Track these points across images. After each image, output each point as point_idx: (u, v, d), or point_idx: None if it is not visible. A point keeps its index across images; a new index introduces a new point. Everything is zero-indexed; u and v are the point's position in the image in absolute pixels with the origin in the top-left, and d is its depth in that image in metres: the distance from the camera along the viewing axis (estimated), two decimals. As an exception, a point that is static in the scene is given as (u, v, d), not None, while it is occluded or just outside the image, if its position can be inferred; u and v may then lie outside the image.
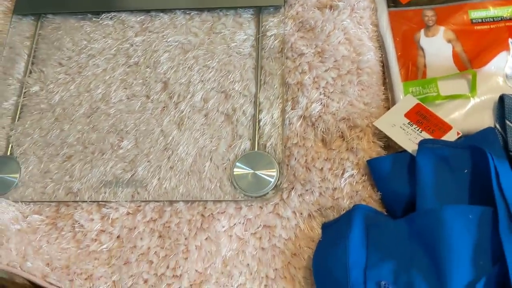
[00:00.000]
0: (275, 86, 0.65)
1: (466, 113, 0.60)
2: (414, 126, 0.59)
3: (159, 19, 0.71)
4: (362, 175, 0.59)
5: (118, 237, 0.58)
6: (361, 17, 0.68)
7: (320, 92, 0.63)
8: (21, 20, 0.73)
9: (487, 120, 0.59)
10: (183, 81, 0.66)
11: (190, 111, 0.64)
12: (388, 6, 0.67)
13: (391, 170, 0.57)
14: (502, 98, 0.59)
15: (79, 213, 0.60)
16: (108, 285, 0.55)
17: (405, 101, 0.61)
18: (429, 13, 0.66)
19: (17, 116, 0.67)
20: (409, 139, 0.58)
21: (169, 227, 0.58)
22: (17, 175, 0.63)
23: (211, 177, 0.61)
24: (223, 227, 0.58)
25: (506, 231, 0.46)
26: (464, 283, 0.45)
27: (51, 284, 0.54)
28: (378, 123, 0.60)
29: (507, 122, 0.57)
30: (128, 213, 0.60)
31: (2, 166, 0.64)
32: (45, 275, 0.55)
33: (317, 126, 0.62)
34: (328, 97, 0.63)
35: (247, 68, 0.66)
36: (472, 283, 0.45)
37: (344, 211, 0.57)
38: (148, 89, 0.66)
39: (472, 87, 0.61)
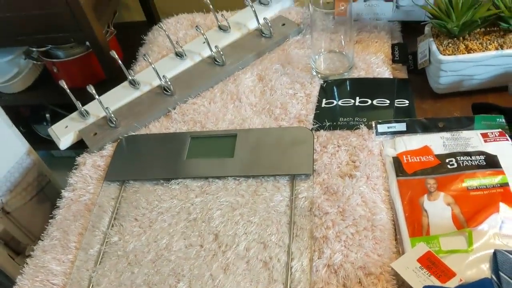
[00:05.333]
0: (305, 239, 0.79)
1: (466, 266, 0.70)
2: (425, 270, 0.69)
3: (215, 184, 0.90)
4: (376, 317, 0.69)
5: None
6: (375, 184, 0.83)
7: (341, 245, 0.77)
8: (109, 185, 0.94)
9: (484, 271, 0.69)
10: (230, 233, 0.82)
11: (234, 258, 0.79)
12: (397, 175, 0.83)
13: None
14: (495, 253, 0.69)
15: None
16: None
17: (418, 248, 0.71)
18: (431, 181, 0.81)
19: (99, 261, 0.84)
20: (419, 281, 0.68)
21: None
22: (94, 310, 0.78)
23: (249, 317, 0.73)
24: None
25: None
26: None
27: None
28: (395, 264, 0.71)
29: (501, 274, 0.67)
30: None
31: (83, 302, 0.79)
32: None
33: (338, 273, 0.74)
34: (348, 248, 0.76)
35: (282, 223, 0.82)
36: None
37: None
38: (202, 239, 0.82)
39: (469, 243, 0.71)
